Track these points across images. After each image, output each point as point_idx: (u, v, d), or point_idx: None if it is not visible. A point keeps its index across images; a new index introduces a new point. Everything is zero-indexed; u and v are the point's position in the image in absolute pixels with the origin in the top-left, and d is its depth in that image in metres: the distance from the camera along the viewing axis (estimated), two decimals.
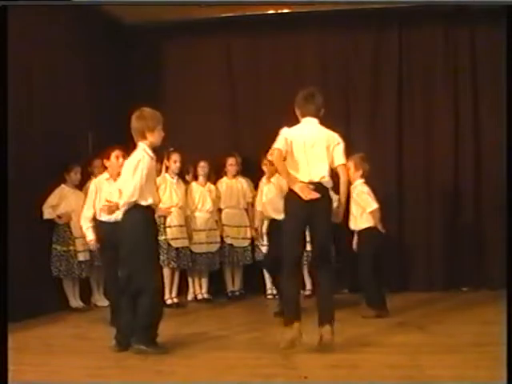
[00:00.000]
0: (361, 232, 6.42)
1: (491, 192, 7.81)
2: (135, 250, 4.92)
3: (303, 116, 5.13)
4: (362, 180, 6.43)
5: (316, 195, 4.85)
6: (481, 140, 8.12)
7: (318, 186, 4.92)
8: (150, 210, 5.04)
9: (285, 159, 4.97)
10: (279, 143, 4.97)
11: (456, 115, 8.17)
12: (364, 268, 6.33)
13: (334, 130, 5.19)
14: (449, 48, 8.19)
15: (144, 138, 4.99)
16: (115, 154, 6.18)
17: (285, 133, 5.02)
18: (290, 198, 4.97)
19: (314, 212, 4.91)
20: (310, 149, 4.98)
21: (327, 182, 5.02)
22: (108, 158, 6.27)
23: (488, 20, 7.67)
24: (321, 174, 4.96)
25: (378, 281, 6.35)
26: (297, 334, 4.82)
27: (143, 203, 4.95)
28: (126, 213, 4.99)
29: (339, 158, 5.07)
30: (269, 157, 5.19)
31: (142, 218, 4.98)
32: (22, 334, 5.55)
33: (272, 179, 6.82)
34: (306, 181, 4.92)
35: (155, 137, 5.02)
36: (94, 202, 6.20)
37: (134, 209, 4.94)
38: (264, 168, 7.24)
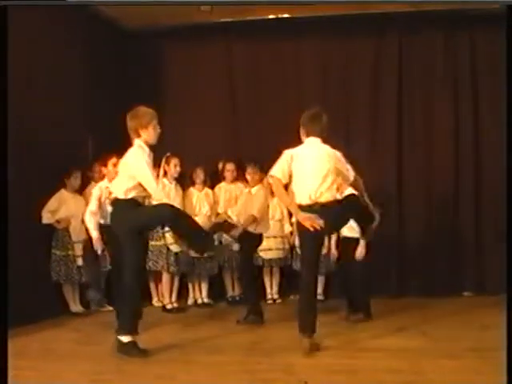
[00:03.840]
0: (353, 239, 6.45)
1: (491, 196, 7.81)
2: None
3: (308, 135, 5.18)
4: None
5: (320, 223, 4.92)
6: (481, 143, 8.13)
7: (325, 205, 5.02)
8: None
9: (289, 182, 5.08)
10: (279, 169, 5.05)
11: (456, 118, 8.18)
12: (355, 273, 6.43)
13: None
14: (449, 52, 8.21)
15: (138, 135, 5.10)
16: (112, 161, 6.28)
17: (286, 155, 5.09)
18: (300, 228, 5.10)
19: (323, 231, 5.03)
20: (314, 168, 5.06)
21: (332, 197, 5.13)
22: (106, 165, 6.38)
23: (487, 23, 7.68)
24: (326, 193, 5.06)
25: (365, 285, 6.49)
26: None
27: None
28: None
29: (351, 171, 5.23)
30: (269, 179, 5.23)
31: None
32: (22, 338, 5.54)
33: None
34: (310, 201, 5.01)
35: (149, 134, 5.12)
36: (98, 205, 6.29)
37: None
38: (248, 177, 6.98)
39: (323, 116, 5.20)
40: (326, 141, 5.21)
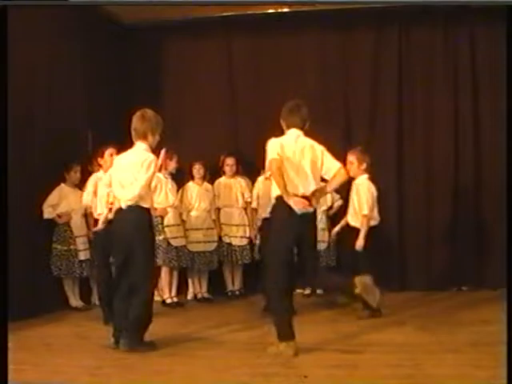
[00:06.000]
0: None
1: (491, 190, 7.81)
2: (137, 252, 4.94)
3: (288, 128, 5.04)
4: (367, 175, 6.39)
5: (310, 208, 4.80)
6: (481, 139, 8.12)
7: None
8: (149, 212, 5.12)
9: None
10: (273, 153, 4.82)
11: (456, 114, 8.16)
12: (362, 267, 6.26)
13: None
14: (448, 48, 8.18)
15: (145, 139, 5.09)
16: (109, 151, 6.29)
17: (274, 142, 4.88)
18: (280, 212, 4.83)
19: (304, 228, 4.85)
20: (298, 160, 4.89)
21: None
22: (102, 156, 6.38)
23: (488, 20, 7.66)
24: (310, 188, 4.89)
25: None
26: (292, 351, 4.73)
27: (145, 205, 5.03)
28: (127, 213, 5.00)
29: (334, 162, 5.01)
30: (267, 174, 4.99)
31: (147, 219, 5.06)
32: (22, 332, 5.55)
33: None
34: (299, 194, 4.81)
35: (155, 139, 5.15)
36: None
37: (138, 210, 4.99)
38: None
39: (303, 108, 5.04)
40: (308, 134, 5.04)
